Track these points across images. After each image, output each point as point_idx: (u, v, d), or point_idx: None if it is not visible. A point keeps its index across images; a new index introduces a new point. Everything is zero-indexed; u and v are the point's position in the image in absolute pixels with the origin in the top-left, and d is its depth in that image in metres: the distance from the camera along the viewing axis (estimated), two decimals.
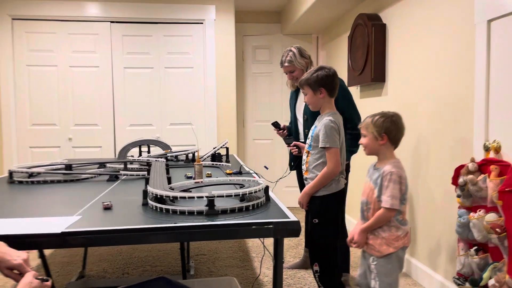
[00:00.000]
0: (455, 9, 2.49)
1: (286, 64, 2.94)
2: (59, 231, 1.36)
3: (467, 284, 2.20)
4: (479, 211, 2.13)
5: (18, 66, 4.37)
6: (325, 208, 2.32)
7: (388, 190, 1.96)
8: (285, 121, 5.22)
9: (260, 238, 1.79)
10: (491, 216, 2.05)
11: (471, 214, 2.17)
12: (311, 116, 2.76)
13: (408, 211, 3.08)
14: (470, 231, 2.19)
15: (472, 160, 2.22)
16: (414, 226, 3.00)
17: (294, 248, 3.72)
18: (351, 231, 2.15)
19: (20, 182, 2.43)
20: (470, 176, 2.19)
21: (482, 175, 2.15)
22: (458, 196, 2.27)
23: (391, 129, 2.01)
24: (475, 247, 2.19)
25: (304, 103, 2.62)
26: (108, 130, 4.54)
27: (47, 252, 3.61)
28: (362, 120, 2.18)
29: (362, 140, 2.10)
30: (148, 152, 3.66)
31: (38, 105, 4.43)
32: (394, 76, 3.27)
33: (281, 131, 3.03)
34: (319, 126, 2.28)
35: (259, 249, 3.67)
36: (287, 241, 3.88)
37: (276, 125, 3.01)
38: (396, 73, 3.23)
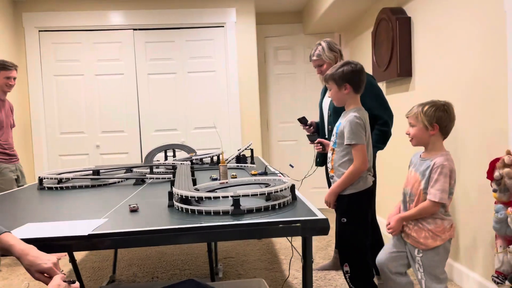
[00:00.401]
0: None
1: (314, 58, 2.88)
2: (86, 234, 1.36)
3: (507, 282, 2.09)
4: None
5: (45, 76, 4.49)
6: (353, 207, 2.26)
7: (438, 183, 1.90)
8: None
9: (288, 238, 1.75)
10: None
11: (509, 209, 2.07)
12: (334, 113, 2.70)
13: None
14: (509, 227, 2.09)
15: (508, 153, 2.12)
16: None
17: (324, 249, 3.66)
18: (389, 216, 2.10)
19: (50, 188, 2.47)
20: (507, 170, 2.09)
21: None
22: (494, 191, 2.17)
23: (443, 118, 1.94)
24: None
25: (330, 98, 2.56)
26: (134, 136, 4.60)
27: (78, 257, 3.67)
28: (408, 111, 2.09)
29: (410, 130, 2.03)
30: (174, 156, 3.68)
31: (66, 114, 4.53)
32: (421, 70, 3.18)
33: (307, 127, 2.97)
34: (344, 122, 2.22)
35: (288, 251, 3.63)
36: (316, 243, 3.82)
37: (302, 121, 2.94)
38: (423, 67, 3.14)
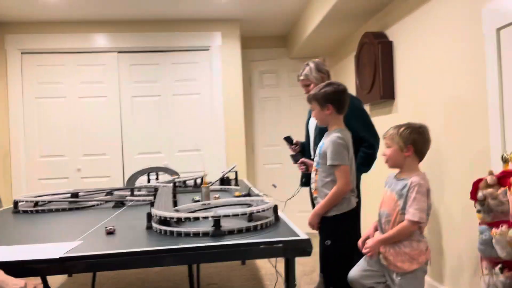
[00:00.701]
0: (461, 20, 2.45)
1: (301, 77, 2.88)
2: (58, 257, 1.30)
3: None
4: (502, 226, 2.02)
5: (27, 99, 4.42)
6: (337, 229, 2.22)
7: (416, 202, 1.89)
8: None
9: (272, 262, 1.70)
10: None
11: (493, 230, 2.05)
12: (320, 133, 2.69)
13: (426, 229, 2.95)
14: (493, 248, 2.07)
15: (491, 173, 2.12)
16: (433, 245, 2.87)
17: (309, 274, 3.58)
18: (364, 235, 2.10)
19: (25, 212, 2.38)
20: (490, 190, 2.08)
21: (502, 188, 2.04)
22: (478, 212, 2.15)
23: (417, 141, 1.97)
24: (500, 265, 2.06)
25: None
26: (116, 159, 4.52)
27: (55, 283, 3.52)
28: (385, 132, 2.11)
29: (386, 151, 2.04)
30: (157, 179, 3.61)
31: (47, 137, 4.45)
32: (403, 93, 3.21)
33: (293, 146, 2.95)
34: (327, 143, 2.21)
35: (273, 276, 3.54)
36: (301, 267, 3.75)
37: (288, 140, 2.92)
38: (406, 89, 3.17)
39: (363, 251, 2.04)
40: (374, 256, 2.02)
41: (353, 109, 2.46)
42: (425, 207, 1.90)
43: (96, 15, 4.29)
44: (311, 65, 2.87)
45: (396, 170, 2.08)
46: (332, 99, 2.21)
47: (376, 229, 2.14)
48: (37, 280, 1.31)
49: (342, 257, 2.22)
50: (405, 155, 1.97)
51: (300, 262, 3.89)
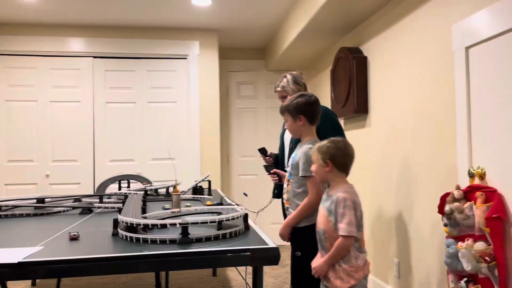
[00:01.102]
0: (432, 38, 2.52)
1: (278, 89, 2.89)
2: (16, 261, 1.24)
3: None
4: (467, 240, 2.06)
5: None
6: (308, 240, 2.20)
7: (344, 217, 1.88)
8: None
9: (240, 273, 1.67)
10: (480, 245, 1.98)
11: (459, 243, 2.10)
12: (295, 145, 2.70)
13: (395, 243, 2.99)
14: (459, 261, 2.10)
15: (458, 188, 2.17)
16: (403, 258, 2.90)
17: (280, 286, 3.56)
18: (312, 263, 2.03)
19: None
20: (456, 204, 2.13)
21: (468, 203, 2.09)
22: (445, 225, 2.19)
23: (335, 155, 1.96)
24: (465, 279, 2.09)
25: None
26: (87, 166, 4.42)
27: None
28: None
29: (312, 167, 2.05)
30: (128, 187, 3.54)
31: (15, 141, 4.31)
32: (376, 107, 3.27)
33: (267, 157, 2.95)
34: (299, 154, 2.22)
35: None
36: (273, 279, 3.73)
37: (262, 151, 2.92)
38: (379, 104, 3.23)
39: (315, 276, 2.00)
40: (322, 277, 1.98)
41: (323, 115, 2.46)
42: (353, 220, 1.88)
43: (72, 19, 4.22)
44: (289, 77, 2.89)
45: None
46: (303, 110, 2.23)
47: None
48: None
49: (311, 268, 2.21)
50: (326, 170, 1.97)
51: (272, 275, 3.87)
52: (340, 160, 1.97)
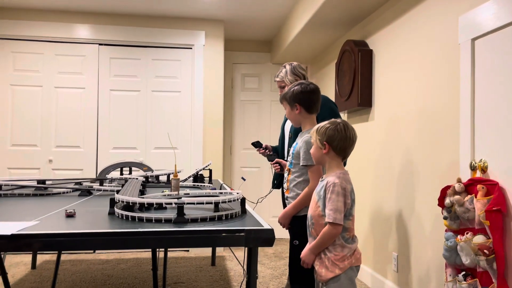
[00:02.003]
0: (439, 30, 2.49)
1: (277, 79, 2.91)
2: (9, 233, 1.25)
3: None
4: (467, 233, 2.04)
5: (1, 85, 4.30)
6: (306, 229, 2.20)
7: (330, 203, 1.78)
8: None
9: (241, 264, 1.66)
10: (479, 238, 1.96)
11: (459, 237, 2.08)
12: (295, 135, 2.69)
13: (395, 238, 2.97)
14: (458, 255, 2.09)
15: (459, 181, 2.15)
16: (402, 253, 2.89)
17: (278, 277, 3.56)
18: (302, 253, 1.96)
19: None
20: (457, 197, 2.11)
21: (469, 196, 2.07)
22: (445, 218, 2.17)
23: (334, 137, 1.85)
24: (463, 272, 2.08)
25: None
26: (90, 152, 4.43)
27: (16, 276, 3.41)
28: None
29: (311, 149, 1.97)
30: (130, 174, 3.55)
31: (20, 125, 4.33)
32: (380, 101, 3.25)
33: (262, 150, 2.93)
34: (300, 143, 2.20)
35: (241, 278, 3.50)
36: (271, 271, 3.72)
37: (256, 144, 2.90)
38: (383, 98, 3.21)
39: (301, 263, 1.93)
40: (310, 266, 1.90)
41: (323, 103, 2.45)
42: (340, 207, 1.77)
43: (79, 5, 4.22)
44: (287, 67, 2.89)
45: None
46: (299, 99, 2.22)
47: None
48: None
49: None
50: (323, 152, 1.88)
51: (270, 266, 3.87)
52: (338, 143, 1.85)
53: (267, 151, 2.90)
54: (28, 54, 4.35)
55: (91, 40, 4.42)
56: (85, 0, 4.07)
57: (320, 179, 1.96)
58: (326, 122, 1.92)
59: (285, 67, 2.90)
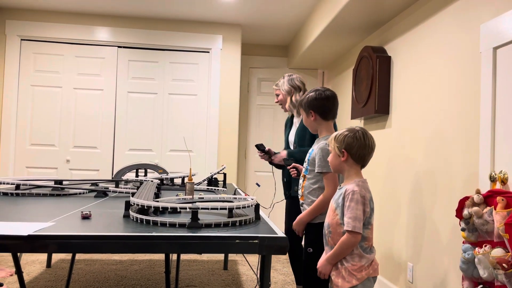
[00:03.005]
0: (460, 38, 2.45)
1: (274, 86, 3.07)
2: (26, 234, 1.26)
3: None
4: (485, 246, 1.99)
5: (22, 85, 4.39)
6: (321, 237, 2.17)
7: (350, 210, 1.75)
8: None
9: (248, 261, 1.66)
10: (498, 251, 1.91)
11: (477, 249, 2.03)
12: (299, 146, 2.78)
13: (411, 247, 2.92)
14: (475, 268, 2.04)
15: (478, 192, 2.10)
16: (418, 263, 2.84)
17: (290, 284, 3.53)
18: (318, 263, 1.93)
19: (5, 194, 2.34)
20: (475, 208, 2.06)
21: (488, 208, 2.02)
22: (463, 230, 2.13)
23: (352, 145, 1.82)
24: (481, 286, 2.03)
25: (294, 131, 2.81)
26: (107, 153, 4.48)
27: (31, 275, 3.46)
28: None
29: (329, 157, 1.95)
30: (145, 176, 3.57)
31: (39, 125, 4.41)
32: (398, 108, 3.21)
33: (263, 153, 2.93)
34: (316, 149, 2.19)
35: (254, 283, 3.49)
36: (283, 277, 3.70)
37: (260, 147, 2.89)
38: (401, 105, 3.17)
39: (317, 274, 1.89)
40: (327, 277, 1.86)
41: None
42: (359, 215, 1.74)
43: (99, 8, 4.28)
44: (286, 77, 3.02)
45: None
46: (313, 105, 2.21)
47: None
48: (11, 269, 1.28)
49: None
50: (341, 160, 1.85)
51: (283, 272, 3.84)
52: (357, 150, 1.83)
53: (267, 155, 2.90)
54: (49, 55, 4.43)
55: (110, 43, 4.48)
56: (105, 3, 4.13)
57: (338, 187, 1.94)
58: (344, 129, 1.91)
59: (284, 77, 3.02)
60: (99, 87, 4.50)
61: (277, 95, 3.04)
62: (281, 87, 2.99)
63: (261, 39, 5.08)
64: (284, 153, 2.83)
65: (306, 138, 2.78)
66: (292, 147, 2.91)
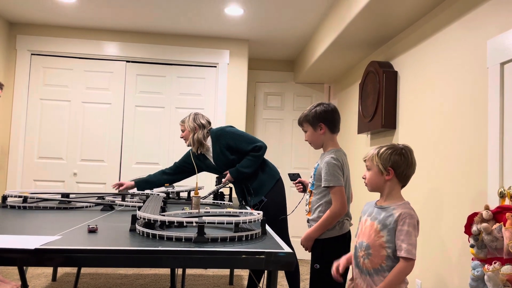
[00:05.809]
0: (467, 53, 2.45)
1: (180, 122, 3.22)
2: (33, 247, 1.26)
3: None
4: (495, 263, 1.96)
5: (32, 99, 4.44)
6: (328, 253, 2.16)
7: (408, 236, 1.64)
8: (295, 169, 5.13)
9: (252, 275, 1.64)
10: (508, 268, 1.88)
11: (486, 266, 2.00)
12: (226, 166, 3.06)
13: (419, 264, 2.88)
14: (485, 285, 2.01)
15: (487, 208, 2.07)
16: (427, 280, 2.80)
17: None
18: (336, 265, 1.85)
19: (13, 207, 2.35)
20: (484, 225, 2.03)
21: (497, 224, 1.99)
22: (472, 247, 2.10)
23: (399, 163, 1.73)
24: None
25: (213, 158, 3.08)
26: (114, 167, 4.50)
27: (38, 286, 3.45)
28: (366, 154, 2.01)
29: (366, 174, 1.84)
30: (151, 189, 3.57)
31: (47, 139, 4.44)
32: (405, 123, 3.20)
33: (298, 183, 2.80)
34: (322, 164, 2.18)
35: None
36: None
37: (292, 177, 2.72)
38: (408, 120, 3.16)
39: None
40: None
41: (230, 136, 2.99)
42: (415, 242, 1.67)
43: (108, 24, 4.35)
44: (192, 115, 3.18)
45: (376, 197, 1.89)
46: (324, 118, 2.20)
47: (349, 263, 1.88)
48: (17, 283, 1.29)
49: (331, 283, 2.15)
50: (385, 178, 1.75)
51: (281, 284, 3.80)
52: (403, 168, 1.74)
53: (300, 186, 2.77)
54: (58, 69, 4.49)
55: (118, 58, 4.54)
56: (114, 19, 4.19)
57: (378, 206, 1.81)
58: (385, 146, 1.80)
59: (190, 115, 3.18)
60: (107, 101, 4.54)
61: (182, 131, 3.18)
62: (186, 123, 3.13)
63: (268, 54, 5.12)
64: (229, 175, 2.99)
65: (229, 159, 3.01)
66: (221, 171, 3.10)
